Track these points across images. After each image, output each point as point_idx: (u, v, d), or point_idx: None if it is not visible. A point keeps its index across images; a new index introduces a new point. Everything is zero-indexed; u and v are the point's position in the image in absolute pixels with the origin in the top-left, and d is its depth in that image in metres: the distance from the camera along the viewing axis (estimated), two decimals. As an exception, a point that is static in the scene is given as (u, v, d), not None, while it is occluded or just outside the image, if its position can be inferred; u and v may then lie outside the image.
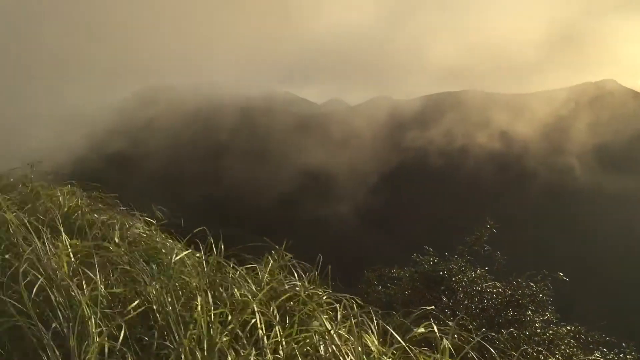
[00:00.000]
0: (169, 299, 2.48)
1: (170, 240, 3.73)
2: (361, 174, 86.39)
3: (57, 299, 2.38)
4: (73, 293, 2.41)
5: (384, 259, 14.04)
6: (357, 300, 2.93)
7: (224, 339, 2.28)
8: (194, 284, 2.77)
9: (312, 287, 3.08)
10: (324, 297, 2.99)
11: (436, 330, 2.52)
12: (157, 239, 3.55)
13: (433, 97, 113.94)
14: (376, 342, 2.51)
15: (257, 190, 79.68)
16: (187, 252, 3.18)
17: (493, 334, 6.92)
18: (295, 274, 3.24)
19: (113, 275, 2.78)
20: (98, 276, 2.56)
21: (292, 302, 2.89)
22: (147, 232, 3.78)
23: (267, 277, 3.13)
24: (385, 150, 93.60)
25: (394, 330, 2.60)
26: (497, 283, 9.17)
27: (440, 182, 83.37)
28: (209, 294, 2.55)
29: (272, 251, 3.46)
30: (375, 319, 2.76)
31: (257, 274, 3.17)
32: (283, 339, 2.42)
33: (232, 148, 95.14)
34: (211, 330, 2.27)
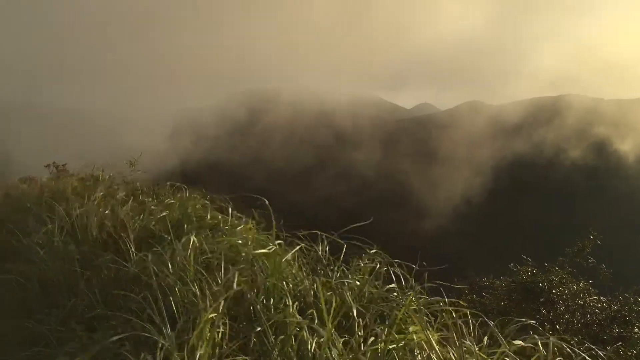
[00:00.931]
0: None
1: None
2: (457, 182, 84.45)
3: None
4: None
5: (475, 268, 13.76)
6: (459, 305, 2.93)
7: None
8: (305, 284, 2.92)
9: (408, 291, 3.12)
10: (421, 302, 3.01)
11: (540, 344, 2.46)
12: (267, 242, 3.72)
13: (533, 101, 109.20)
14: (477, 350, 2.50)
15: (342, 197, 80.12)
16: (293, 251, 3.33)
17: (597, 350, 6.57)
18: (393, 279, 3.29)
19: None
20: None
21: (388, 306, 2.95)
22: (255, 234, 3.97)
23: (363, 280, 3.21)
24: (477, 156, 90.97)
25: (489, 340, 2.58)
26: (601, 297, 8.70)
27: (535, 191, 79.76)
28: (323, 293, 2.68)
29: (365, 254, 3.53)
30: (474, 327, 2.75)
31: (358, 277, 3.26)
32: (383, 344, 2.47)
33: (324, 158, 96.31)
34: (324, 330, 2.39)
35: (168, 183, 5.73)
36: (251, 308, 2.69)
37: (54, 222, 4.45)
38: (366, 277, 3.23)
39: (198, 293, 2.68)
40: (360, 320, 2.65)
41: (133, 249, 3.75)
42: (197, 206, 4.79)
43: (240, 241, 3.57)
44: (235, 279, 2.70)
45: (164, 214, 4.44)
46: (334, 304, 2.55)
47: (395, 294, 3.13)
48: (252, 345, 2.45)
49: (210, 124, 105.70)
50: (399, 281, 3.24)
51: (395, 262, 3.39)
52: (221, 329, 2.40)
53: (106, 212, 4.52)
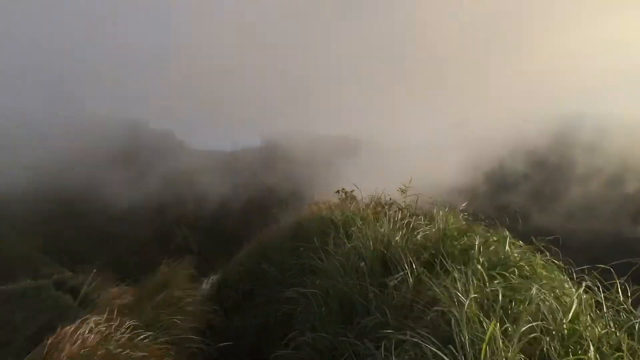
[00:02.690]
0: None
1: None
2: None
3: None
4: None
5: None
6: None
7: None
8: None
9: None
10: None
11: None
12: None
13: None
14: None
15: None
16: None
17: None
18: None
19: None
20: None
21: None
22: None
23: None
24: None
25: None
26: None
27: None
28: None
29: None
30: None
31: None
32: None
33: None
34: None
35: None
36: (545, 352, 2.53)
37: (344, 243, 4.90)
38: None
39: (489, 328, 2.61)
40: None
41: (417, 272, 3.84)
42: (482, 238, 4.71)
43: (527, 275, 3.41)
44: (526, 318, 2.58)
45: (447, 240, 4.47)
46: None
47: None
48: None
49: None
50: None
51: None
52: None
53: (395, 236, 4.76)
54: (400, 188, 6.48)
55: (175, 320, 4.68)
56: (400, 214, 5.84)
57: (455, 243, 4.30)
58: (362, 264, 4.37)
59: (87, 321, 3.86)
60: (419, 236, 4.71)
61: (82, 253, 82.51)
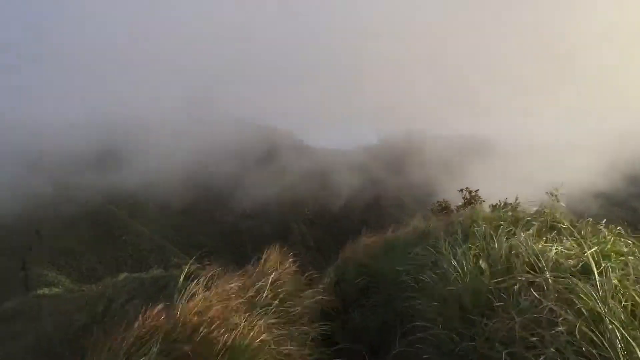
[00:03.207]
0: None
1: None
2: None
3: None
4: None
5: None
6: None
7: None
8: None
9: None
10: None
11: None
12: None
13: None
14: None
15: None
16: None
17: None
18: None
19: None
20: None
21: None
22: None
23: None
24: None
25: None
26: None
27: None
28: None
29: None
30: None
31: None
32: None
33: None
34: None
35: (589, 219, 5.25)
36: None
37: (464, 244, 4.73)
38: None
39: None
40: None
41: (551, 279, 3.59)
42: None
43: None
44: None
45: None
46: None
47: None
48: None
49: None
50: None
51: None
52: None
53: (520, 239, 4.50)
54: (549, 191, 6.10)
55: (292, 308, 4.77)
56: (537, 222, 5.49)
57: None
58: (484, 264, 4.20)
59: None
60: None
61: (209, 246, 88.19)
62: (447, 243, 4.95)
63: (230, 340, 3.39)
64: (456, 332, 3.65)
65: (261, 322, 3.91)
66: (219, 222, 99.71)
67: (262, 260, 5.74)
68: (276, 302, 4.59)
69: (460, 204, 7.90)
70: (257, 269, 5.53)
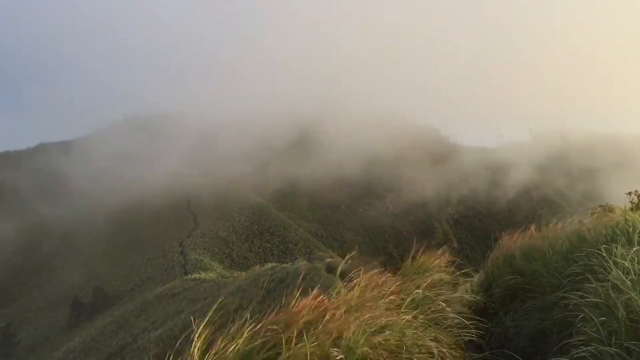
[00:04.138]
0: None
1: None
2: None
3: None
4: None
5: None
6: None
7: None
8: None
9: None
10: None
11: None
12: None
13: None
14: None
15: None
16: None
17: None
18: None
19: None
20: None
21: None
22: None
23: None
24: None
25: None
26: None
27: None
28: None
29: None
30: None
31: None
32: None
33: None
34: None
35: None
36: None
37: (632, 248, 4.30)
38: None
39: None
40: None
41: None
42: None
43: None
44: None
45: None
46: None
47: None
48: None
49: None
50: None
51: None
52: None
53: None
54: None
55: (441, 304, 4.66)
56: None
57: None
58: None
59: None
60: None
61: (351, 241, 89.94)
62: (615, 247, 4.52)
63: (382, 339, 3.40)
64: (626, 349, 3.30)
65: (411, 321, 3.88)
66: (362, 217, 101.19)
67: (410, 258, 5.69)
68: (425, 301, 4.52)
69: (627, 206, 7.10)
70: (405, 266, 5.50)
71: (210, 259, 73.33)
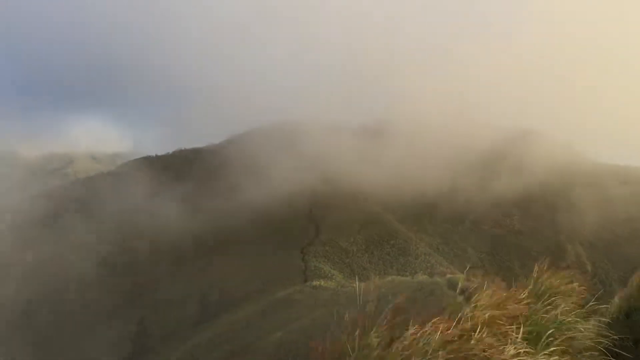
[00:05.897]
0: None
1: None
2: None
3: None
4: None
5: None
6: None
7: None
8: None
9: None
10: None
11: None
12: None
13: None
14: None
15: None
16: None
17: None
18: None
19: None
20: None
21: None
22: None
23: None
24: None
25: None
26: None
27: None
28: None
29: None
30: None
31: None
32: None
33: None
34: None
35: None
36: None
37: None
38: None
39: None
40: None
41: None
42: None
43: None
44: None
45: None
46: None
47: None
48: None
49: None
50: None
51: None
52: None
53: None
54: None
55: (572, 339, 4.31)
56: None
57: None
58: None
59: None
60: None
61: (472, 257, 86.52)
62: None
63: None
64: None
65: (538, 351, 3.64)
66: (487, 234, 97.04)
67: (534, 279, 5.32)
68: (560, 329, 4.21)
69: None
70: (529, 289, 5.16)
71: (331, 268, 74.27)
